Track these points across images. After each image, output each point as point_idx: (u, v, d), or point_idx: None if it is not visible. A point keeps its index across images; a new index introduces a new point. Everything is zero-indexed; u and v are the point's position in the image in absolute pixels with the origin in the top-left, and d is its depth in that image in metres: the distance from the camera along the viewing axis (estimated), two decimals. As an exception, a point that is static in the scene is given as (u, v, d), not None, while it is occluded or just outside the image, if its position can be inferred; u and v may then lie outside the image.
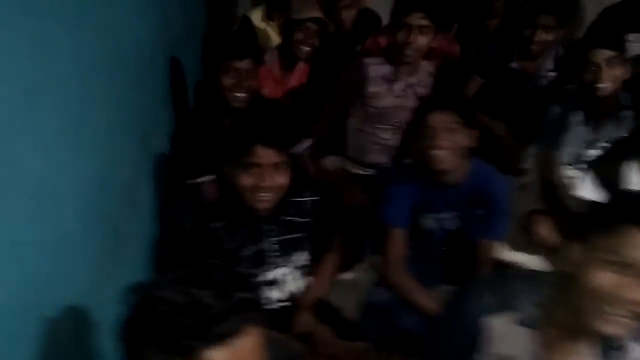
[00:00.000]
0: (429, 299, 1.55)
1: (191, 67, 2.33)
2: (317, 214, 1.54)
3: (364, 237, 1.91)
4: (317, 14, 2.25)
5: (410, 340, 1.52)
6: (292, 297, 1.54)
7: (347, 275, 2.01)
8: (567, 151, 2.03)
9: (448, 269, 1.73)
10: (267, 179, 1.34)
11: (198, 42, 2.46)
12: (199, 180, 1.78)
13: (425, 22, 1.91)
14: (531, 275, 1.08)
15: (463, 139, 1.53)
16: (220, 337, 0.70)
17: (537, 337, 1.01)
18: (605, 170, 1.78)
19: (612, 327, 0.90)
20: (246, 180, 1.35)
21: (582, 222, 0.96)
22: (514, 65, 2.29)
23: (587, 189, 1.83)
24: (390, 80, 2.06)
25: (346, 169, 2.25)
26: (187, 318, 0.70)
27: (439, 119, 1.52)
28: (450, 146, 1.52)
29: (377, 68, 2.06)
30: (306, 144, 2.07)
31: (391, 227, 1.64)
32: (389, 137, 2.15)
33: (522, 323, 1.00)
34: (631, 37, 2.18)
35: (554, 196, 2.00)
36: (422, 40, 1.95)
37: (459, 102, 1.61)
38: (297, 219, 1.51)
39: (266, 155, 1.33)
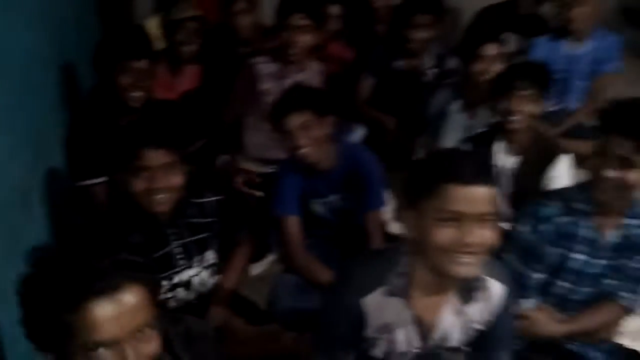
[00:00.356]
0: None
1: (86, 74, 2.29)
2: (220, 213, 1.56)
3: (269, 229, 1.98)
4: (193, 12, 2.31)
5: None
6: (202, 297, 1.56)
7: (257, 268, 2.08)
8: (450, 137, 2.26)
9: (344, 251, 1.83)
10: (159, 180, 1.32)
11: (92, 51, 2.43)
12: (90, 182, 1.76)
13: (305, 22, 2.06)
14: (393, 249, 1.19)
15: (321, 130, 1.65)
16: (102, 292, 0.74)
17: (406, 302, 1.14)
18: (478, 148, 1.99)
19: (464, 269, 1.04)
20: (139, 184, 1.33)
21: (408, 192, 1.09)
22: (399, 64, 2.51)
23: None
24: (279, 77, 2.17)
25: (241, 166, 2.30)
26: (72, 274, 0.74)
27: (295, 121, 1.62)
28: (311, 142, 1.63)
29: (264, 66, 2.17)
30: (201, 142, 2.13)
31: (284, 216, 1.74)
32: None
33: (392, 293, 1.13)
34: (504, 36, 2.50)
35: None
36: (304, 39, 2.09)
37: (308, 98, 1.69)
38: (199, 219, 1.51)
39: (155, 156, 1.31)
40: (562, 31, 2.60)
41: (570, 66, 2.60)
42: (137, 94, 1.79)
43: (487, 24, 2.78)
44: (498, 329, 1.21)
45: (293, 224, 1.74)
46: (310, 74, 2.24)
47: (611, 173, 1.28)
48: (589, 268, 1.42)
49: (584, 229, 1.40)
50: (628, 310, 1.47)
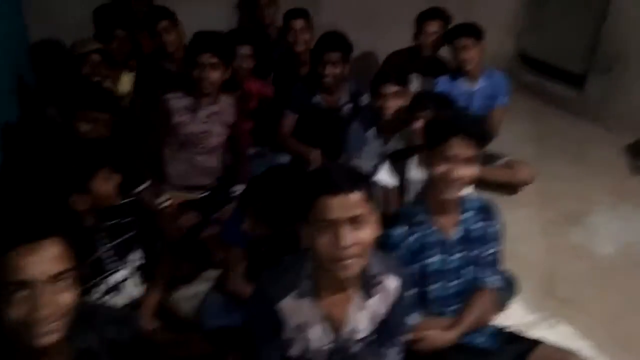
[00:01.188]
0: None
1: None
2: (136, 211, 1.74)
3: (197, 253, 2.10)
4: (96, 45, 2.49)
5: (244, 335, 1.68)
6: (134, 302, 1.68)
7: (191, 288, 2.17)
8: (366, 162, 2.51)
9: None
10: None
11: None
12: None
13: (214, 60, 2.22)
14: (299, 257, 1.29)
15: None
16: (26, 239, 0.87)
17: (315, 302, 1.27)
18: (394, 163, 2.25)
19: (348, 270, 1.17)
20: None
21: (300, 209, 1.21)
22: (317, 99, 2.76)
23: (384, 175, 2.26)
24: (192, 109, 2.31)
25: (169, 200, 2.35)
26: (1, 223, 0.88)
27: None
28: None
29: (177, 101, 2.30)
30: (147, 184, 2.24)
31: (232, 245, 1.85)
32: (204, 159, 2.40)
33: (302, 295, 1.25)
34: (410, 76, 2.83)
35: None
36: (214, 75, 2.25)
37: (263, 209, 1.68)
38: (120, 220, 1.69)
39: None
40: (459, 71, 2.97)
41: (468, 101, 2.92)
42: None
43: (394, 66, 3.12)
44: (394, 317, 1.34)
45: (238, 254, 1.86)
46: (223, 106, 2.39)
47: (460, 172, 1.48)
48: (447, 265, 1.58)
49: (431, 236, 1.56)
50: (497, 291, 1.66)
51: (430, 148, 1.53)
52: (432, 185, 1.54)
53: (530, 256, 2.46)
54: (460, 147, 1.48)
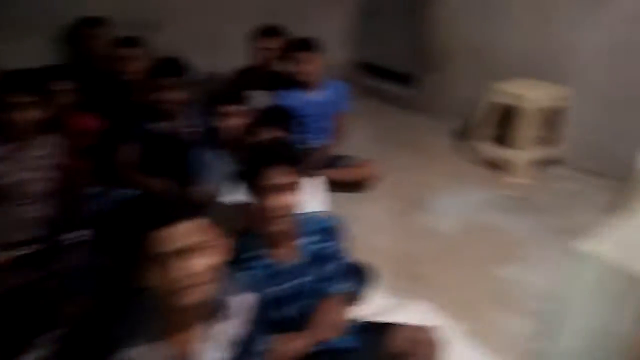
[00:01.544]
0: None
1: None
2: None
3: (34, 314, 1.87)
4: None
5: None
6: None
7: (30, 355, 1.92)
8: (214, 184, 2.46)
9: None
10: None
11: None
12: None
13: (26, 99, 2.03)
14: (137, 302, 1.21)
15: None
16: None
17: (164, 343, 1.18)
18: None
19: (188, 300, 1.11)
20: None
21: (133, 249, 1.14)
22: (157, 126, 2.65)
23: (235, 194, 2.13)
24: (7, 157, 2.09)
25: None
26: None
27: None
28: None
29: None
30: None
31: (82, 295, 1.70)
32: (29, 210, 2.16)
33: (147, 339, 1.15)
34: (254, 93, 2.86)
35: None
36: (28, 116, 2.05)
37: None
38: None
39: None
40: (300, 84, 3.07)
41: (311, 110, 3.02)
42: None
43: (234, 84, 3.13)
44: (251, 337, 1.29)
45: (88, 303, 1.70)
46: (46, 149, 2.19)
47: (281, 201, 1.44)
48: (297, 289, 1.54)
49: (269, 268, 1.50)
50: (346, 296, 1.64)
51: (250, 180, 1.48)
52: (267, 220, 1.48)
53: (386, 245, 2.61)
54: (278, 176, 1.45)
